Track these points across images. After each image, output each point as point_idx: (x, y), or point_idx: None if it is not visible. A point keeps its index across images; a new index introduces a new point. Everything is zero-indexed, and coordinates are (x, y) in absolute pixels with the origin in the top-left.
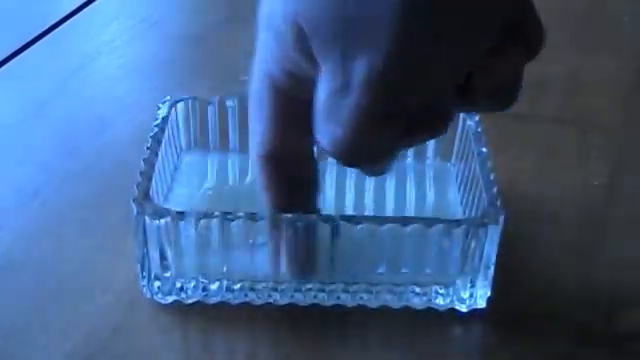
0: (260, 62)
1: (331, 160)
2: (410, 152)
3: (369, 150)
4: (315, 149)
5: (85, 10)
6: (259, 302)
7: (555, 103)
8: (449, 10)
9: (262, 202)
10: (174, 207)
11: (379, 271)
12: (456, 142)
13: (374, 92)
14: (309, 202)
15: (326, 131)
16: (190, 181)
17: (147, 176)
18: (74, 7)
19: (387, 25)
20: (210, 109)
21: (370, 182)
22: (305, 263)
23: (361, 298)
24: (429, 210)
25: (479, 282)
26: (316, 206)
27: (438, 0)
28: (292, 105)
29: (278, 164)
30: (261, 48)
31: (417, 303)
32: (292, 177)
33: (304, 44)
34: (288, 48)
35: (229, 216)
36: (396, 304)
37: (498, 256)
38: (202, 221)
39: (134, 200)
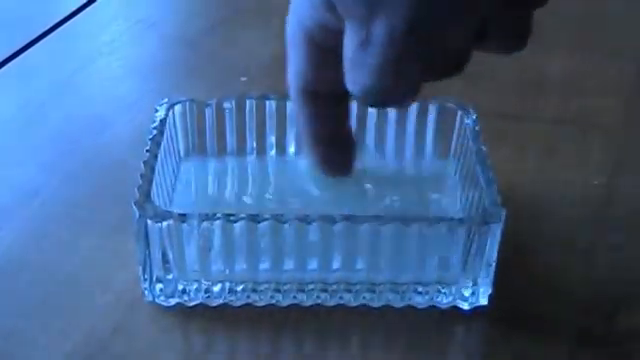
0: (294, 13)
1: None
2: (408, 150)
3: (394, 94)
4: None
5: (85, 10)
6: (261, 303)
7: (555, 103)
8: None
9: (299, 130)
10: (174, 209)
11: (381, 270)
12: (454, 140)
13: (394, 50)
14: (343, 129)
15: (353, 81)
16: (189, 183)
17: (148, 179)
18: (74, 7)
19: None
20: (208, 111)
21: (368, 181)
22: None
23: (364, 298)
24: (428, 209)
25: (481, 280)
26: (352, 136)
27: None
28: (325, 52)
29: (313, 96)
30: (294, 3)
31: (420, 302)
32: (327, 109)
33: (330, 4)
34: (317, 6)
35: (231, 218)
36: (399, 303)
37: (498, 255)
38: (204, 223)
39: (135, 203)
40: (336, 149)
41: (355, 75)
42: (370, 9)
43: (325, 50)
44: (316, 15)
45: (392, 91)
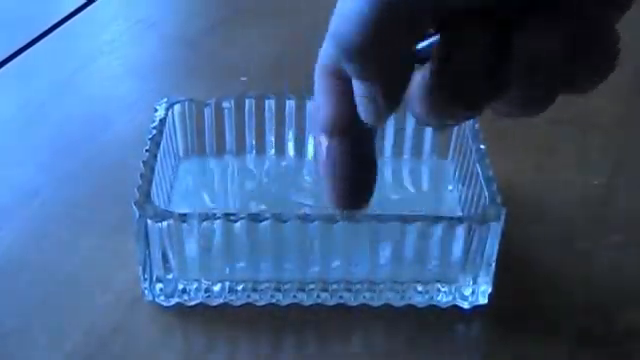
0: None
1: None
2: (407, 149)
3: (383, 47)
4: None
5: (85, 10)
6: (262, 303)
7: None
8: None
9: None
10: (173, 209)
11: (381, 269)
12: (453, 139)
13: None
14: (369, 180)
15: (336, 27)
16: (188, 183)
17: (147, 179)
18: (74, 7)
19: None
20: (207, 111)
21: None
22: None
23: (364, 297)
24: (427, 208)
25: (481, 279)
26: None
27: None
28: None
29: (340, 137)
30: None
31: (419, 301)
32: (353, 152)
33: None
34: None
35: (232, 217)
36: (399, 302)
37: (498, 254)
38: (204, 223)
39: (135, 203)
40: (356, 185)
41: (336, 21)
42: None
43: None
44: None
45: (376, 46)
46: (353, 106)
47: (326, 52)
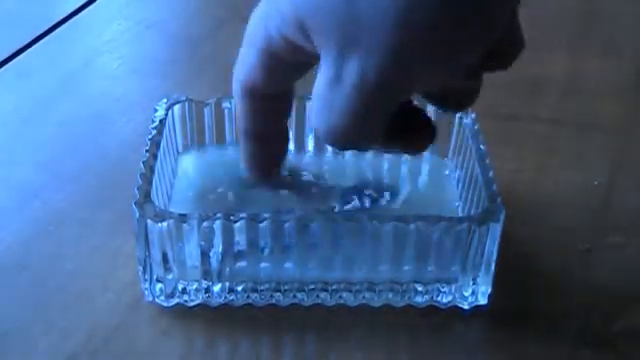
0: (262, 13)
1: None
2: None
3: (357, 139)
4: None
5: (85, 10)
6: (262, 303)
7: (554, 103)
8: (442, 27)
9: (237, 128)
10: (174, 209)
11: (381, 269)
12: (452, 139)
13: (362, 96)
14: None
15: (322, 118)
16: (188, 182)
17: (147, 179)
18: (74, 7)
19: (381, 33)
20: (207, 111)
21: (367, 181)
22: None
23: (364, 297)
24: (426, 208)
25: (481, 279)
26: (287, 131)
27: (430, 19)
28: (280, 61)
29: (255, 94)
30: (265, 4)
31: (419, 301)
32: (265, 108)
33: (305, 30)
34: (288, 24)
35: (231, 218)
36: (399, 303)
37: (498, 255)
38: (204, 223)
39: (135, 203)
40: (265, 146)
41: (322, 113)
42: (343, 47)
43: (281, 60)
44: (284, 29)
45: (356, 136)
46: (279, 74)
47: (273, 19)
